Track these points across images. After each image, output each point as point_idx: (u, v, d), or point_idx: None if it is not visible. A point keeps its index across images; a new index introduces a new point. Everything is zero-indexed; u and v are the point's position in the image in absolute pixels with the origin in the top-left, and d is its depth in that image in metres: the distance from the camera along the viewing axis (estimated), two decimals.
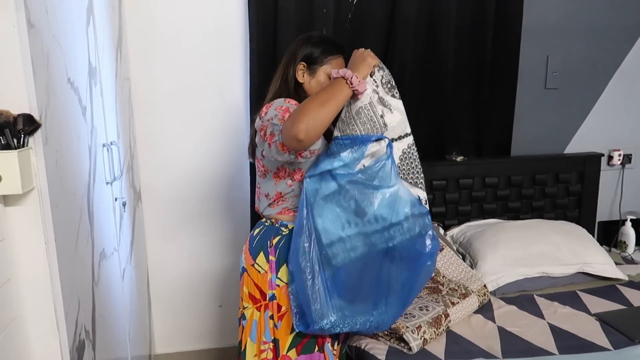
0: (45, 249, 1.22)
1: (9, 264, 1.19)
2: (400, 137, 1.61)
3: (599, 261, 2.22)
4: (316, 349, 1.59)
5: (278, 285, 1.54)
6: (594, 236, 2.56)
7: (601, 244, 2.43)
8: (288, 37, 2.22)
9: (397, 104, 1.59)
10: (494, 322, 1.88)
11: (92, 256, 1.55)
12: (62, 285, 1.25)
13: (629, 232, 2.62)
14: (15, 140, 1.13)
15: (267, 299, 1.55)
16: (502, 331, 1.81)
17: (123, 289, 1.92)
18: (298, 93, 1.59)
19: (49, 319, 1.25)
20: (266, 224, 1.61)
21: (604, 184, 2.71)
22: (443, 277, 2.08)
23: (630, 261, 2.50)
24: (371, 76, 1.53)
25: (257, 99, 2.25)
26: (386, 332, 1.75)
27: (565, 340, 1.74)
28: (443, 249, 2.17)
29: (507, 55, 2.50)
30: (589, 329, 1.82)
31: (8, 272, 1.19)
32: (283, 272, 1.54)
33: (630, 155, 2.78)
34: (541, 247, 2.22)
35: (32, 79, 1.15)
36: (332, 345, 1.66)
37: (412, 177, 1.64)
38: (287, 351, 1.56)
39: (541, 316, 1.92)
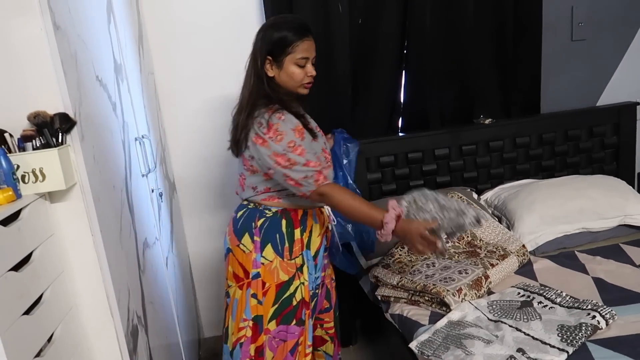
0: (93, 241, 1.28)
1: (61, 257, 1.26)
2: None
3: None
4: (294, 322, 1.64)
5: (262, 264, 1.60)
6: (634, 188, 2.49)
7: None
8: (304, 14, 2.22)
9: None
10: (536, 280, 1.87)
11: (135, 246, 1.61)
12: (111, 273, 1.31)
13: None
14: (54, 139, 1.18)
15: (250, 277, 1.61)
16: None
17: (168, 276, 1.99)
18: (272, 87, 1.56)
19: (103, 306, 1.31)
20: (249, 206, 1.65)
21: None
22: (480, 240, 2.08)
23: None
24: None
25: None
26: (427, 298, 1.77)
27: (611, 293, 1.72)
28: None
29: (529, 10, 2.43)
30: (636, 281, 1.78)
31: (60, 265, 1.25)
32: (268, 251, 1.60)
33: None
34: (579, 203, 2.19)
35: (63, 79, 1.19)
36: (311, 318, 1.71)
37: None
38: (268, 323, 1.62)
39: (584, 271, 1.90)
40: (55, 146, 1.18)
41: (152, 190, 1.93)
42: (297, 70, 1.55)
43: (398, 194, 2.43)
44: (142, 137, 1.86)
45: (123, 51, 1.79)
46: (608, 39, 2.58)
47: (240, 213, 1.66)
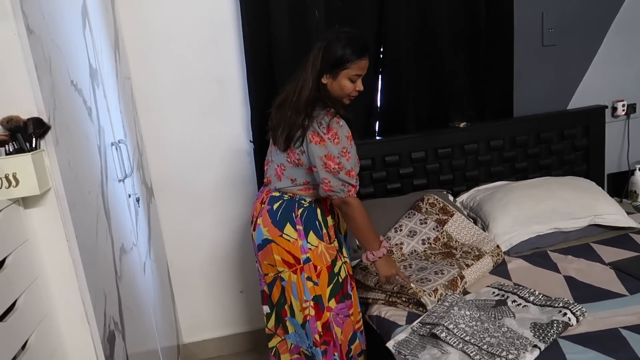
0: (68, 246, 1.26)
1: (35, 263, 1.24)
2: None
3: (610, 212, 2.24)
4: (341, 295, 1.79)
5: (310, 249, 1.73)
6: (604, 189, 2.57)
7: (612, 196, 2.44)
8: (280, 18, 2.24)
9: None
10: (510, 279, 1.91)
11: (112, 251, 1.59)
12: (87, 279, 1.30)
13: (638, 181, 2.63)
14: (27, 144, 1.17)
15: (302, 262, 1.73)
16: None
17: (146, 282, 1.98)
18: (325, 94, 1.69)
19: (79, 312, 1.30)
20: (284, 197, 1.76)
21: (610, 136, 2.71)
22: (456, 241, 2.11)
23: None
24: None
25: (255, 84, 2.28)
26: (404, 299, 1.79)
27: (582, 291, 1.77)
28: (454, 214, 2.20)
29: (501, 17, 2.49)
30: (604, 278, 1.84)
31: (35, 271, 1.24)
32: (311, 237, 1.73)
33: (635, 104, 2.77)
34: (551, 204, 2.24)
35: (37, 83, 1.18)
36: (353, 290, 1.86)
37: None
38: (329, 302, 1.76)
39: (556, 270, 1.95)
40: (29, 151, 1.17)
41: (129, 196, 1.92)
42: (348, 84, 1.68)
43: (376, 197, 2.46)
44: (119, 142, 1.85)
45: (99, 56, 1.78)
46: (577, 44, 2.66)
47: (276, 205, 1.75)
